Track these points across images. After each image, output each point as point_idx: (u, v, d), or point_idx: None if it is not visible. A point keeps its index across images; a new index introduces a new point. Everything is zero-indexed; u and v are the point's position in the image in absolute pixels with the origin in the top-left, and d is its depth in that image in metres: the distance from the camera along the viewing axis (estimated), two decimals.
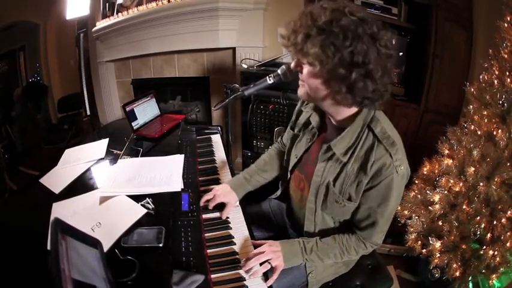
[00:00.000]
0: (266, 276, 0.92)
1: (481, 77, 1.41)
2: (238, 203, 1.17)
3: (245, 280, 0.89)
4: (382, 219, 0.91)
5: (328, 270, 1.07)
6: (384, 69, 0.75)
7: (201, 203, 1.12)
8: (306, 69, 0.80)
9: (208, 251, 0.97)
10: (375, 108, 0.84)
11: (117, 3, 2.86)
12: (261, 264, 0.92)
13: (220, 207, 1.13)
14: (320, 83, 0.79)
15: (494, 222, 1.33)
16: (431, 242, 1.47)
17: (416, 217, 1.58)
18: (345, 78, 0.74)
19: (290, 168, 1.11)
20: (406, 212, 1.64)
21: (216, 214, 1.12)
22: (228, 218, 1.11)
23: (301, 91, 0.88)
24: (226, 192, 1.14)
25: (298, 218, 1.10)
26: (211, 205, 1.12)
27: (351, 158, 0.87)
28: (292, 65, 0.87)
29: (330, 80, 0.76)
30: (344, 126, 0.88)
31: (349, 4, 0.74)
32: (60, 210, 1.02)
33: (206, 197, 1.13)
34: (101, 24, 2.96)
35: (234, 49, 2.58)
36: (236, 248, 0.99)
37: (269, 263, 0.92)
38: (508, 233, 1.31)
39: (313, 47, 0.72)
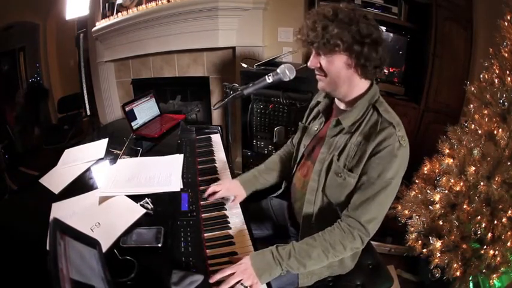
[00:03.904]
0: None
1: (481, 76, 1.41)
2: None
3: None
4: (379, 196, 0.88)
5: None
6: (381, 38, 0.90)
7: (206, 194, 1.15)
8: (326, 59, 0.91)
9: (208, 251, 0.97)
10: (379, 74, 0.97)
11: (117, 3, 2.86)
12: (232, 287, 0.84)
13: (220, 204, 1.15)
14: (342, 65, 0.90)
15: (495, 222, 1.33)
16: (431, 241, 1.47)
17: (417, 217, 1.57)
18: (361, 52, 0.88)
19: (298, 159, 1.15)
20: (406, 212, 1.63)
21: (216, 214, 1.12)
22: (227, 217, 1.11)
23: (321, 84, 0.97)
24: (236, 187, 1.19)
25: (299, 207, 1.10)
26: (215, 197, 1.14)
27: (357, 130, 0.94)
28: (310, 63, 0.95)
29: (351, 57, 0.89)
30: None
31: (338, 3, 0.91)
32: (60, 210, 1.02)
33: (214, 187, 1.15)
34: (100, 24, 2.96)
35: (233, 49, 2.58)
36: (236, 247, 0.99)
37: (242, 284, 0.85)
38: (509, 233, 1.31)
39: (334, 29, 0.86)
